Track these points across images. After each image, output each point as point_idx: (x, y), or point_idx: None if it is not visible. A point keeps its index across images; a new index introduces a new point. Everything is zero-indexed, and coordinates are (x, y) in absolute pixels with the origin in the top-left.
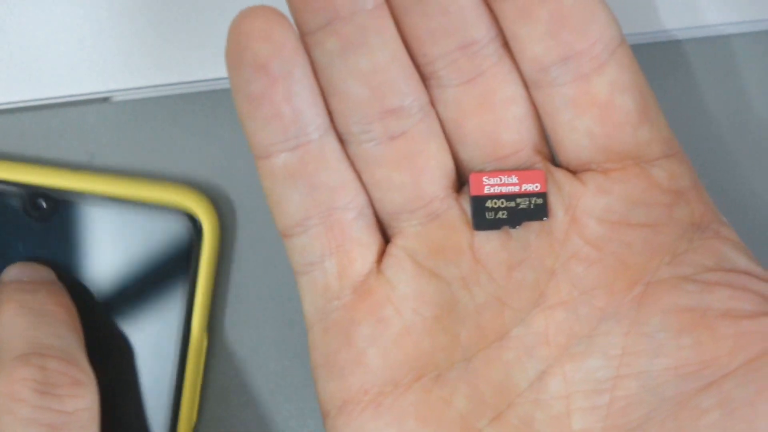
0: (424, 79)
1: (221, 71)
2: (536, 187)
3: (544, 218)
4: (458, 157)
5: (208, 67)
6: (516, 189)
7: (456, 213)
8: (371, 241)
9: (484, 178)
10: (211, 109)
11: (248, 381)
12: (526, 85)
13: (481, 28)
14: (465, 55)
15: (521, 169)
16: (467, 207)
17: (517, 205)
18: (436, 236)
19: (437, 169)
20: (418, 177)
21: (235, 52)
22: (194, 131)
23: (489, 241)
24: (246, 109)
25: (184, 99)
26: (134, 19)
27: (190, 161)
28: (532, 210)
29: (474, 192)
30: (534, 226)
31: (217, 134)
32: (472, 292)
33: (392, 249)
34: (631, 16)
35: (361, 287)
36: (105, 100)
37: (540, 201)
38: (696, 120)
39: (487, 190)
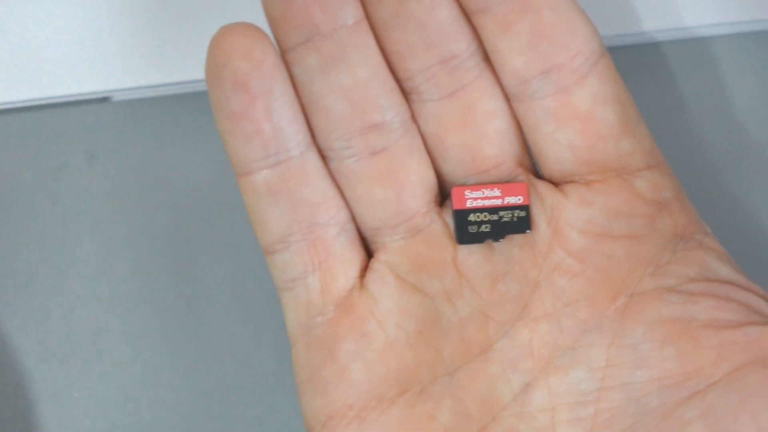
0: (405, 93)
1: None
2: (519, 199)
3: (527, 231)
4: (440, 171)
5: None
6: (499, 202)
7: (438, 227)
8: (354, 256)
9: (467, 192)
10: (211, 110)
11: (248, 381)
12: (507, 98)
13: (461, 42)
14: (445, 70)
15: (504, 182)
16: (450, 221)
17: (500, 218)
18: (419, 251)
19: (419, 184)
20: (400, 192)
21: (215, 69)
22: (194, 131)
23: (472, 254)
24: (226, 126)
25: (184, 99)
26: (134, 19)
27: (190, 161)
28: (515, 223)
29: (456, 206)
30: (517, 238)
31: (216, 134)
32: (456, 306)
33: (375, 264)
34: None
35: (344, 303)
36: (105, 99)
37: (523, 214)
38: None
39: (469, 204)
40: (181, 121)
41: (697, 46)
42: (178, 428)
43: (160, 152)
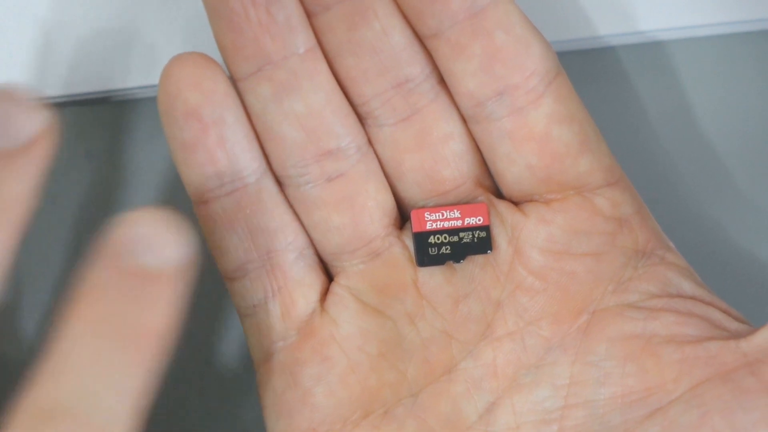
0: (361, 118)
1: None
2: (479, 220)
3: (488, 251)
4: (399, 195)
5: None
6: (458, 223)
7: (398, 250)
8: (313, 281)
9: (426, 214)
10: None
11: (248, 380)
12: (464, 120)
13: (415, 66)
14: (400, 94)
15: (463, 203)
16: (410, 243)
17: (461, 239)
18: (379, 274)
19: (376, 209)
20: (358, 218)
21: (166, 99)
22: None
23: (433, 276)
24: (180, 156)
25: None
26: (133, 18)
27: None
28: (475, 243)
29: (416, 228)
30: (478, 259)
31: None
32: (418, 328)
33: (335, 288)
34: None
35: (305, 327)
36: (104, 100)
37: (483, 234)
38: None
39: (429, 226)
40: None
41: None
42: (178, 428)
43: (159, 152)
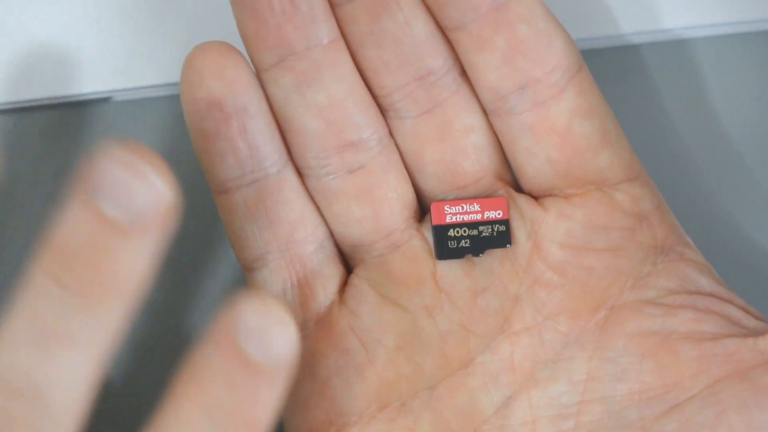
0: (382, 110)
1: None
2: (498, 214)
3: (507, 245)
4: (419, 187)
5: None
6: (478, 217)
7: (418, 243)
8: (332, 272)
9: (446, 207)
10: None
11: None
12: (485, 113)
13: (437, 58)
14: (422, 86)
15: (483, 197)
16: (429, 236)
17: (480, 232)
18: (398, 266)
19: (397, 201)
20: (378, 210)
21: (189, 89)
22: None
23: (452, 269)
24: (201, 145)
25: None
26: (134, 19)
27: (190, 161)
28: (494, 237)
29: (435, 221)
30: (497, 253)
31: None
32: (436, 321)
33: (354, 280)
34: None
35: (323, 319)
36: (105, 100)
37: (503, 228)
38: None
39: (448, 219)
40: (181, 121)
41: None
42: None
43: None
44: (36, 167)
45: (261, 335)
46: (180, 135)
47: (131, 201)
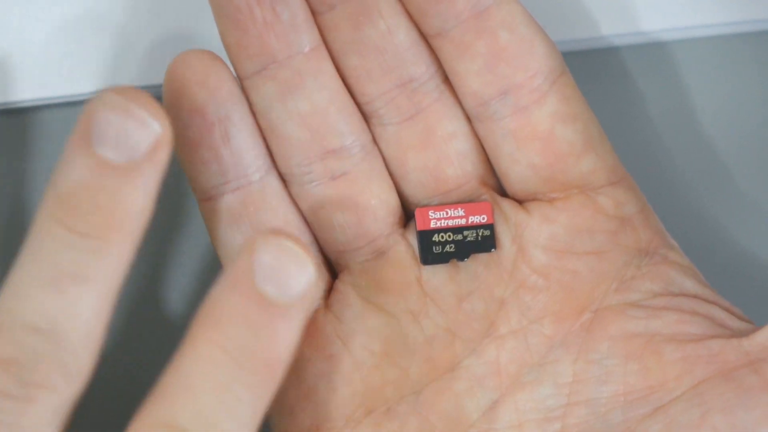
0: (365, 117)
1: None
2: (483, 218)
3: (492, 250)
4: (403, 193)
5: None
6: (462, 222)
7: (402, 248)
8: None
9: (430, 213)
10: None
11: None
12: (468, 120)
13: (419, 65)
14: (404, 93)
15: (467, 202)
16: (414, 242)
17: (465, 237)
18: (383, 272)
19: (380, 207)
20: (361, 216)
21: (172, 96)
22: None
23: (437, 274)
24: (185, 153)
25: None
26: (134, 19)
27: None
28: (479, 242)
29: (420, 227)
30: (482, 257)
31: None
32: (422, 325)
33: (339, 285)
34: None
35: (309, 324)
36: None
37: (487, 232)
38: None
39: (433, 224)
40: None
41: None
42: None
43: None
44: (36, 167)
45: (278, 275)
46: None
47: (128, 143)
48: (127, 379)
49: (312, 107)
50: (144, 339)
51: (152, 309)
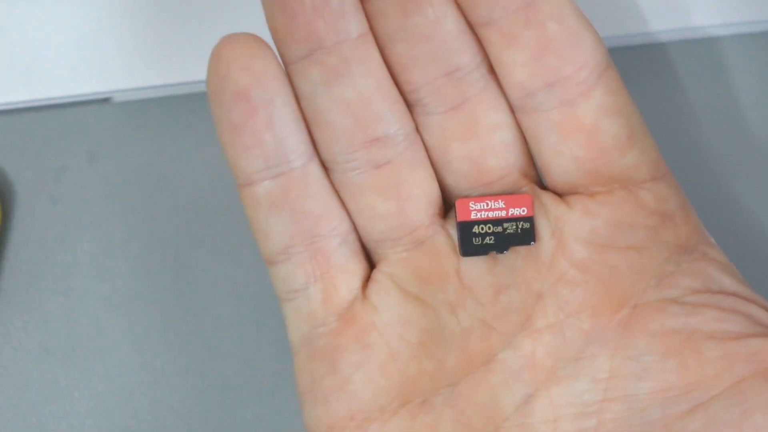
0: (409, 106)
1: None
2: (523, 211)
3: (531, 243)
4: (444, 183)
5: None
6: (503, 214)
7: (442, 239)
8: (356, 267)
9: (471, 204)
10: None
11: (248, 381)
12: (512, 111)
13: (466, 55)
14: (450, 82)
15: (508, 194)
16: (453, 233)
17: (504, 229)
18: (422, 262)
19: (422, 197)
20: (403, 205)
21: (215, 80)
22: (195, 132)
23: (475, 266)
24: (227, 137)
25: (185, 100)
26: (134, 19)
27: (190, 162)
28: (519, 234)
29: (460, 218)
30: (521, 250)
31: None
32: (459, 317)
33: (377, 275)
34: (617, 18)
35: (346, 314)
36: (105, 100)
37: (527, 225)
38: (686, 129)
39: (473, 216)
40: (182, 121)
41: (704, 46)
42: (178, 428)
43: (161, 153)
44: (36, 167)
45: None
46: (179, 136)
47: None
48: None
49: (357, 95)
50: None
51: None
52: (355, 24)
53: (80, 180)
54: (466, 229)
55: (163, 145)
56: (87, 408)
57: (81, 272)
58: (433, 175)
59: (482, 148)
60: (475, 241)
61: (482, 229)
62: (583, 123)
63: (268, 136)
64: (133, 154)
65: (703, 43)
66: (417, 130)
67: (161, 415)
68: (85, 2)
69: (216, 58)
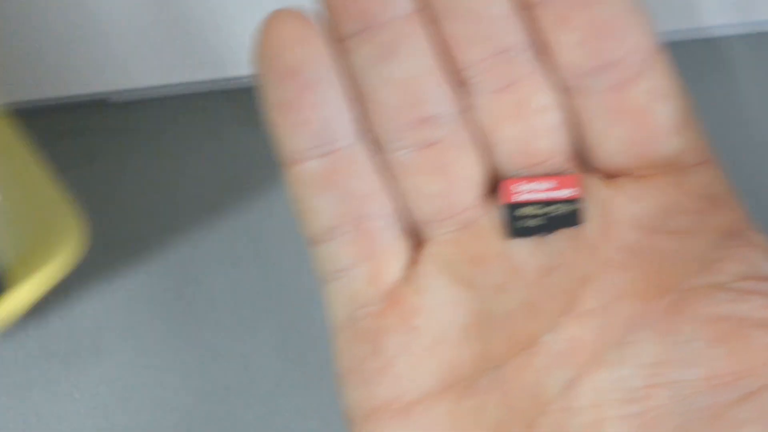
0: (458, 85)
1: (221, 72)
2: (570, 193)
3: (578, 225)
4: (490, 164)
5: (207, 68)
6: (550, 195)
7: (488, 220)
8: (401, 248)
9: (517, 185)
10: (211, 110)
11: (248, 381)
12: (562, 92)
13: (517, 34)
14: (501, 62)
15: (555, 175)
16: (500, 214)
17: (551, 211)
18: (468, 244)
19: (469, 178)
20: (450, 186)
21: (265, 57)
22: (195, 132)
23: (522, 248)
24: (275, 115)
25: (185, 100)
26: (134, 19)
27: (190, 162)
28: (566, 216)
29: (506, 199)
30: (567, 232)
31: (215, 135)
32: (504, 300)
33: (423, 256)
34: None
35: (391, 295)
36: (104, 101)
37: (574, 207)
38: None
39: (520, 197)
40: (182, 122)
41: (708, 45)
42: (178, 428)
43: (160, 154)
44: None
45: None
46: (178, 136)
47: None
48: None
49: (408, 73)
50: None
51: None
52: (407, 1)
53: (79, 180)
54: (512, 211)
55: (160, 147)
56: (87, 408)
57: (80, 273)
58: (481, 156)
59: (530, 130)
60: (521, 223)
61: (529, 211)
62: (633, 106)
63: (318, 114)
64: (131, 155)
65: (708, 43)
66: (466, 110)
67: (161, 415)
68: (84, 2)
69: (267, 34)
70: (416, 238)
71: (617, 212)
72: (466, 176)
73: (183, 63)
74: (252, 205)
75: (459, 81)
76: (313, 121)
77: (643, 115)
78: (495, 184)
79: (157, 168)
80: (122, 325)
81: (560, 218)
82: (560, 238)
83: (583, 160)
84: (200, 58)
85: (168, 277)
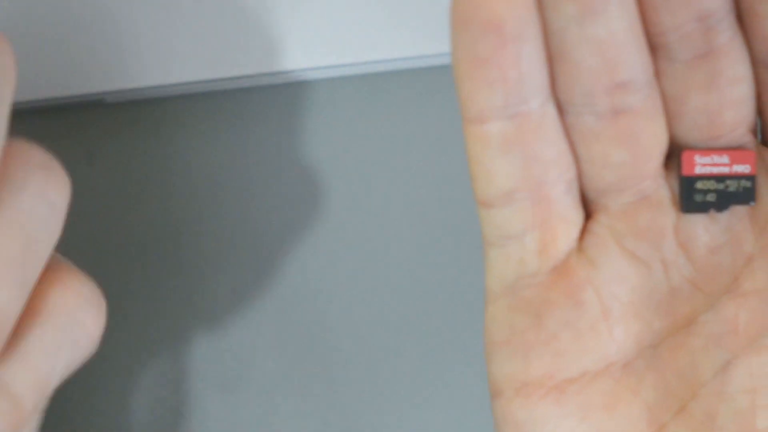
0: (651, 50)
1: (220, 72)
2: (746, 168)
3: (751, 203)
4: (671, 133)
5: (206, 68)
6: (726, 170)
7: (664, 193)
8: (576, 217)
9: (697, 157)
10: (210, 110)
11: (248, 381)
12: (754, 64)
13: (718, 0)
14: (700, 28)
15: (732, 149)
16: (674, 186)
17: (726, 187)
18: (642, 216)
19: (655, 148)
20: (636, 156)
21: (466, 9)
22: (195, 132)
23: (693, 223)
24: (467, 70)
25: (184, 100)
26: (134, 19)
27: (190, 163)
28: (739, 193)
29: (686, 172)
30: (739, 209)
31: (214, 135)
32: (669, 276)
33: (595, 227)
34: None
35: (560, 266)
36: (102, 101)
37: (748, 184)
38: None
39: (698, 170)
40: (181, 122)
41: None
42: (178, 428)
43: (160, 154)
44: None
45: None
46: (177, 137)
47: None
48: None
49: (610, 34)
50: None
51: None
52: None
53: (79, 181)
54: (690, 183)
55: (158, 148)
56: (87, 408)
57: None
58: (666, 125)
59: (720, 101)
60: (697, 197)
61: (705, 185)
62: None
63: (513, 72)
64: (129, 155)
65: None
66: (656, 76)
67: (161, 415)
68: (84, 2)
69: None
70: (587, 206)
71: None
72: (653, 146)
73: (183, 63)
74: (252, 205)
75: (654, 46)
76: (509, 79)
77: None
78: (671, 154)
79: (156, 168)
80: (122, 325)
81: (734, 194)
82: (730, 214)
83: (761, 135)
84: (200, 58)
85: (167, 277)
